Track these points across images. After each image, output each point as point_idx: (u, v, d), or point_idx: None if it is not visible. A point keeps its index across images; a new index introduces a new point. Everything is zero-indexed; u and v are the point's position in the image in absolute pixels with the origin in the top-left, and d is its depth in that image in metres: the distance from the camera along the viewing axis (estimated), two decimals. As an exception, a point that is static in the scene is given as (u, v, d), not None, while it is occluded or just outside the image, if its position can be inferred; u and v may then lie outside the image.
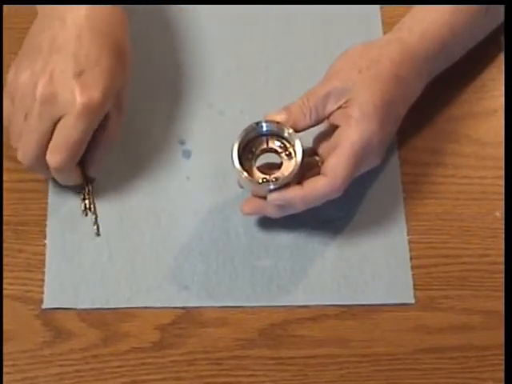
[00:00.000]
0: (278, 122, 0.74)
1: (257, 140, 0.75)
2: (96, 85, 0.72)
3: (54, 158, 0.72)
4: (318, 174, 0.73)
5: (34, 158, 0.73)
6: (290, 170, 0.73)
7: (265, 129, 0.74)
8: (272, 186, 0.73)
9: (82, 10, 0.73)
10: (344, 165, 0.72)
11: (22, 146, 0.73)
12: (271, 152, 0.75)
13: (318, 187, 0.73)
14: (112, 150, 0.78)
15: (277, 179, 0.73)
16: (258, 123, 0.74)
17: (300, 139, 0.73)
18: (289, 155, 0.74)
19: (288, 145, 0.74)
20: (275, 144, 0.75)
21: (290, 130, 0.73)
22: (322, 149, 0.76)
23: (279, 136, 0.74)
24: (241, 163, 0.73)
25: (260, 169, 0.75)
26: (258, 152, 0.75)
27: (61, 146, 0.72)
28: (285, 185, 0.73)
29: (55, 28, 0.73)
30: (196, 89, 0.85)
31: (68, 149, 0.72)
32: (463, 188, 0.81)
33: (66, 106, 0.71)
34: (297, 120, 0.74)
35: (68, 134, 0.72)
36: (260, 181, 0.73)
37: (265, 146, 0.75)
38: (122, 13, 0.77)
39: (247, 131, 0.74)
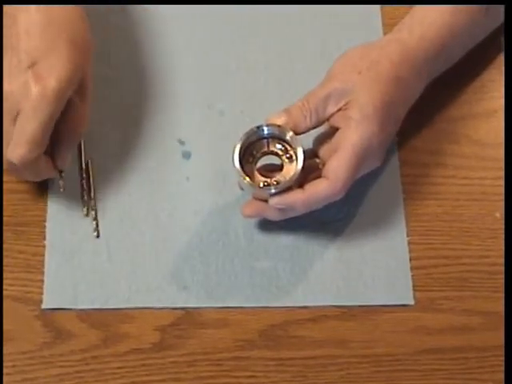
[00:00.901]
0: (279, 126, 0.74)
1: (258, 143, 0.74)
2: (51, 74, 0.70)
3: (14, 152, 0.70)
4: (319, 176, 0.73)
5: (7, 160, 0.72)
6: (292, 174, 0.73)
7: (266, 132, 0.74)
8: (273, 190, 0.73)
9: (32, 7, 0.72)
10: (345, 167, 0.72)
11: None
12: (272, 154, 0.75)
13: (319, 190, 0.73)
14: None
15: (278, 183, 0.73)
16: (258, 127, 0.74)
17: (301, 143, 0.73)
18: (290, 158, 0.74)
19: (289, 148, 0.74)
20: (276, 147, 0.75)
21: (291, 133, 0.73)
22: (323, 151, 0.76)
23: (280, 139, 0.74)
24: (242, 166, 0.73)
25: (260, 171, 0.74)
26: (258, 155, 0.75)
27: (20, 140, 0.70)
28: (286, 189, 0.73)
29: (8, 28, 0.72)
30: (196, 89, 0.84)
31: (28, 141, 0.70)
32: (463, 189, 0.81)
33: (22, 100, 0.69)
34: (297, 122, 0.74)
35: (26, 125, 0.69)
36: (261, 185, 0.73)
37: (266, 149, 0.75)
38: (79, 9, 0.75)
39: (248, 135, 0.74)
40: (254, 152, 0.74)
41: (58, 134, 0.73)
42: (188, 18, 0.88)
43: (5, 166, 0.74)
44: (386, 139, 0.76)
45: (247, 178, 0.73)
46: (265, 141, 0.74)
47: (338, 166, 0.72)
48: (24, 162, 0.71)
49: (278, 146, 0.74)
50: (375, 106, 0.73)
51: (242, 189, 0.76)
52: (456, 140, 0.84)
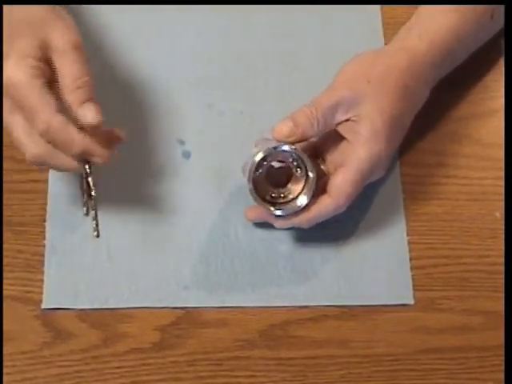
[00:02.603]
0: (295, 148, 0.72)
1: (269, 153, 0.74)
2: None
3: (39, 121, 0.69)
4: (322, 179, 0.74)
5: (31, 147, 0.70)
6: (299, 202, 0.73)
7: (284, 150, 0.73)
8: (279, 213, 0.73)
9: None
10: (349, 184, 0.73)
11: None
12: (282, 163, 0.74)
13: (323, 208, 0.74)
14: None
15: (285, 197, 0.74)
16: (276, 147, 0.72)
17: (315, 176, 0.73)
18: (300, 170, 0.73)
19: (300, 162, 0.73)
20: (287, 159, 0.74)
21: (308, 163, 0.73)
22: (328, 159, 0.76)
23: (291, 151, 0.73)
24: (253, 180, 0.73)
25: (268, 173, 0.74)
26: (269, 164, 0.73)
27: (41, 107, 0.69)
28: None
29: None
30: (196, 89, 0.84)
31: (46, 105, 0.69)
32: (463, 188, 0.81)
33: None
34: (305, 130, 0.73)
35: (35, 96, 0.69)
36: (268, 196, 0.74)
37: (277, 158, 0.74)
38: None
39: (265, 153, 0.72)
40: (265, 163, 0.73)
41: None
42: (188, 18, 0.88)
43: (28, 156, 0.71)
44: (392, 151, 0.76)
45: (259, 200, 0.73)
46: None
47: (342, 183, 0.73)
48: (52, 129, 0.68)
49: (290, 159, 0.73)
50: (384, 121, 0.73)
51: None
52: (457, 140, 0.84)
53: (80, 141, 0.69)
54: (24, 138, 0.70)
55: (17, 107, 0.70)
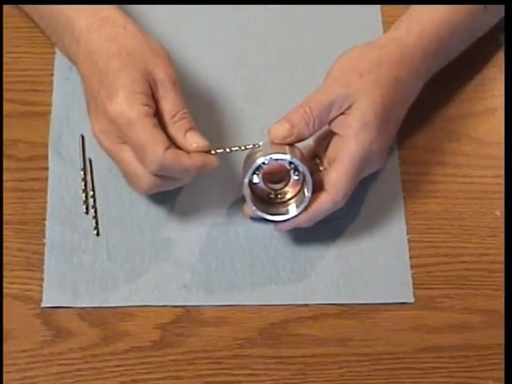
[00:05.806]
0: (292, 157, 0.72)
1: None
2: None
3: (155, 153, 0.70)
4: (319, 178, 0.74)
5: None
6: (295, 212, 0.74)
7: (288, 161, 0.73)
8: (271, 218, 0.74)
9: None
10: (344, 179, 0.73)
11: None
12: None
13: (321, 206, 0.74)
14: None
15: (282, 195, 0.74)
16: (277, 159, 0.72)
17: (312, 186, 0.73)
18: (297, 173, 0.73)
19: (298, 172, 0.73)
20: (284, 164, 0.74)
21: (307, 176, 0.73)
22: (322, 155, 0.76)
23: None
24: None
25: (265, 171, 0.74)
26: (266, 166, 0.73)
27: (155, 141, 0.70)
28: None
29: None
30: (196, 88, 0.84)
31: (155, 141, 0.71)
32: (463, 187, 0.81)
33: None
34: (301, 131, 0.73)
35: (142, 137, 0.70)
36: (266, 196, 0.74)
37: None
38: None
39: (266, 163, 0.72)
40: (262, 164, 0.73)
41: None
42: (187, 18, 0.88)
43: (140, 190, 0.74)
44: (386, 143, 0.76)
45: (256, 210, 0.74)
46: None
47: (337, 178, 0.73)
48: (164, 166, 0.70)
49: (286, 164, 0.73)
50: (376, 113, 0.73)
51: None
52: (456, 138, 0.84)
53: (192, 166, 0.71)
54: (138, 171, 0.72)
55: (123, 140, 0.71)
